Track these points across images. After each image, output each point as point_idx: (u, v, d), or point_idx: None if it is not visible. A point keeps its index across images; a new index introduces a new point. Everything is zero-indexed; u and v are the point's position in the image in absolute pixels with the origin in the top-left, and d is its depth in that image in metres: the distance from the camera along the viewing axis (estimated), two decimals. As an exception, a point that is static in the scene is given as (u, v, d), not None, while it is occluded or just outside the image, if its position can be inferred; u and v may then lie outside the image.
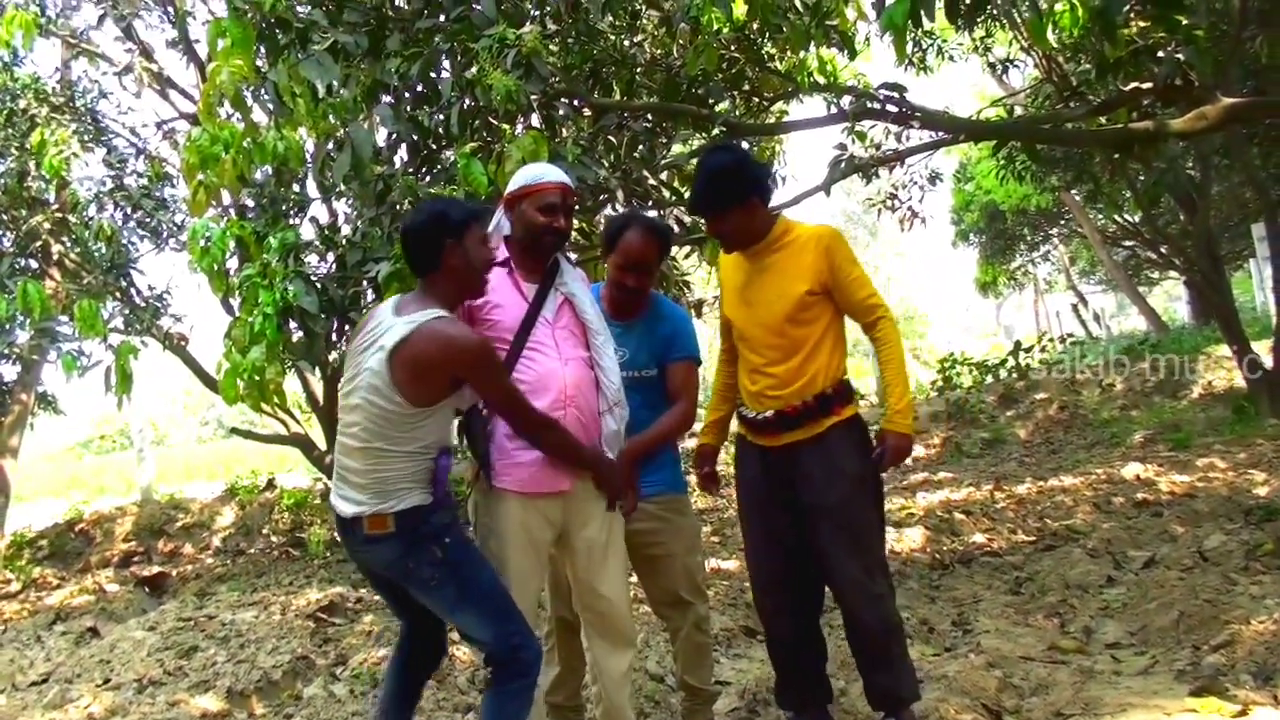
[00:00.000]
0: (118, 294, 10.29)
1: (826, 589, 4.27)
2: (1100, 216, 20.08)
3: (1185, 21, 6.45)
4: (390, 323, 3.42)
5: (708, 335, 17.25)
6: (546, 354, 3.71)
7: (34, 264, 10.72)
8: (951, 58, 13.00)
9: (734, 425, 4.48)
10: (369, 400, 3.39)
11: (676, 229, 8.67)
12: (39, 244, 10.41)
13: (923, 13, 4.78)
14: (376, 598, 7.65)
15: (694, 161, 8.66)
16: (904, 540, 7.77)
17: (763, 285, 4.06)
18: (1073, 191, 17.34)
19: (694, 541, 4.41)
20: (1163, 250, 17.89)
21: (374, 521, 3.44)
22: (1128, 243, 21.58)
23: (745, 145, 8.97)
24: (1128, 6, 5.58)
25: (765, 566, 4.22)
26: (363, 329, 3.60)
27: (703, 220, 4.14)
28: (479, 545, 3.75)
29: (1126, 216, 19.16)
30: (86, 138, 10.64)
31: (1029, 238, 24.14)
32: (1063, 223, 23.16)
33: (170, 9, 11.20)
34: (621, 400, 3.87)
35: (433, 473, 3.50)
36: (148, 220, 11.30)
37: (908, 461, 13.09)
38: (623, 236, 4.18)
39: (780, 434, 4.03)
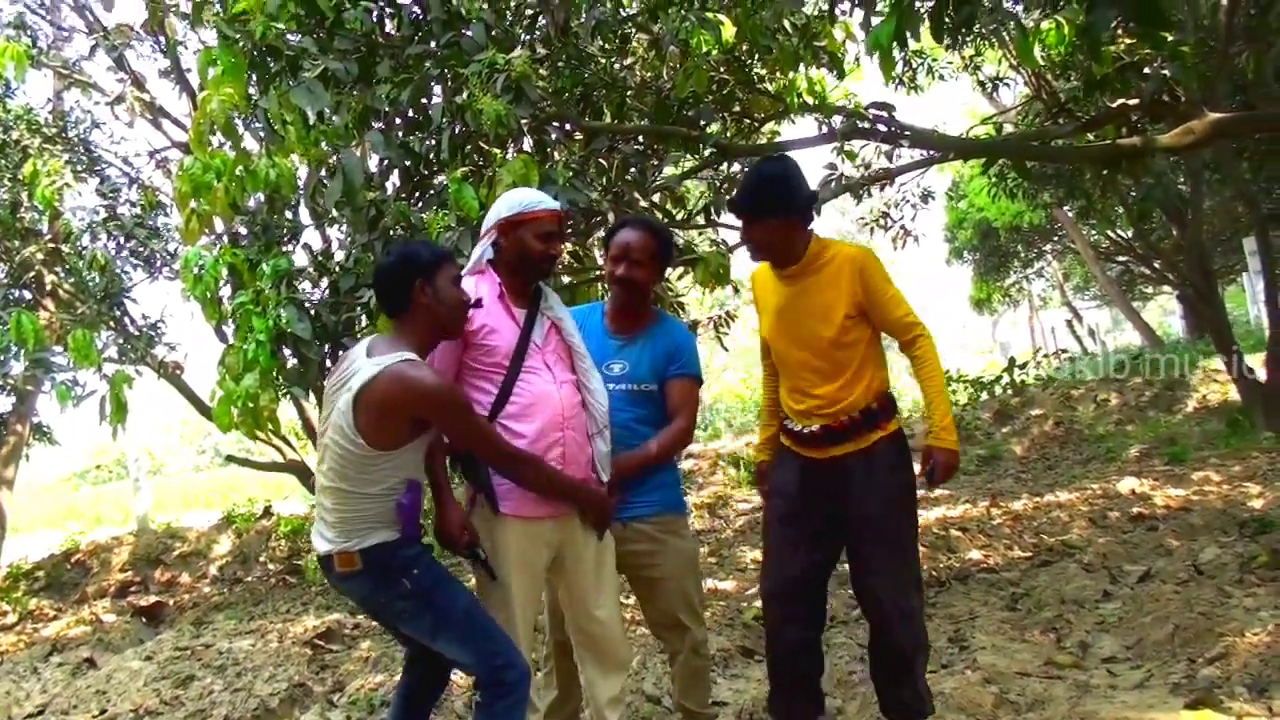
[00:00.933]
0: (112, 323, 10.31)
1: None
2: (1093, 232, 20.14)
3: (1170, 38, 6.50)
4: (360, 364, 3.42)
5: (704, 356, 17.24)
6: (541, 377, 3.73)
7: (27, 295, 10.73)
8: (942, 76, 13.05)
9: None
10: (335, 440, 3.41)
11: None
12: (32, 274, 10.43)
13: (908, 33, 4.82)
14: (374, 624, 7.67)
15: (684, 183, 8.72)
16: (901, 558, 7.78)
17: (802, 309, 4.04)
18: (1065, 208, 17.39)
19: (692, 564, 4.39)
20: (1156, 265, 17.95)
21: (343, 559, 3.47)
22: (1121, 258, 21.64)
23: (737, 167, 9.03)
24: (1113, 24, 5.60)
25: (783, 574, 4.16)
26: (337, 369, 3.61)
27: (740, 222, 4.09)
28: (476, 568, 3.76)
29: (1119, 232, 19.21)
30: (79, 168, 10.69)
31: (1022, 254, 24.19)
32: (1056, 239, 23.22)
33: (161, 39, 11.25)
34: (609, 422, 3.89)
35: (398, 510, 3.50)
36: (141, 249, 11.34)
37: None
38: (615, 234, 4.24)
39: (827, 447, 4.00)
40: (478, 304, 3.74)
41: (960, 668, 5.19)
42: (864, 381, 3.98)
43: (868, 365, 4.02)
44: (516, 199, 3.92)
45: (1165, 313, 37.78)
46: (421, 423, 3.42)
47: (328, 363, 6.63)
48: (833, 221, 53.86)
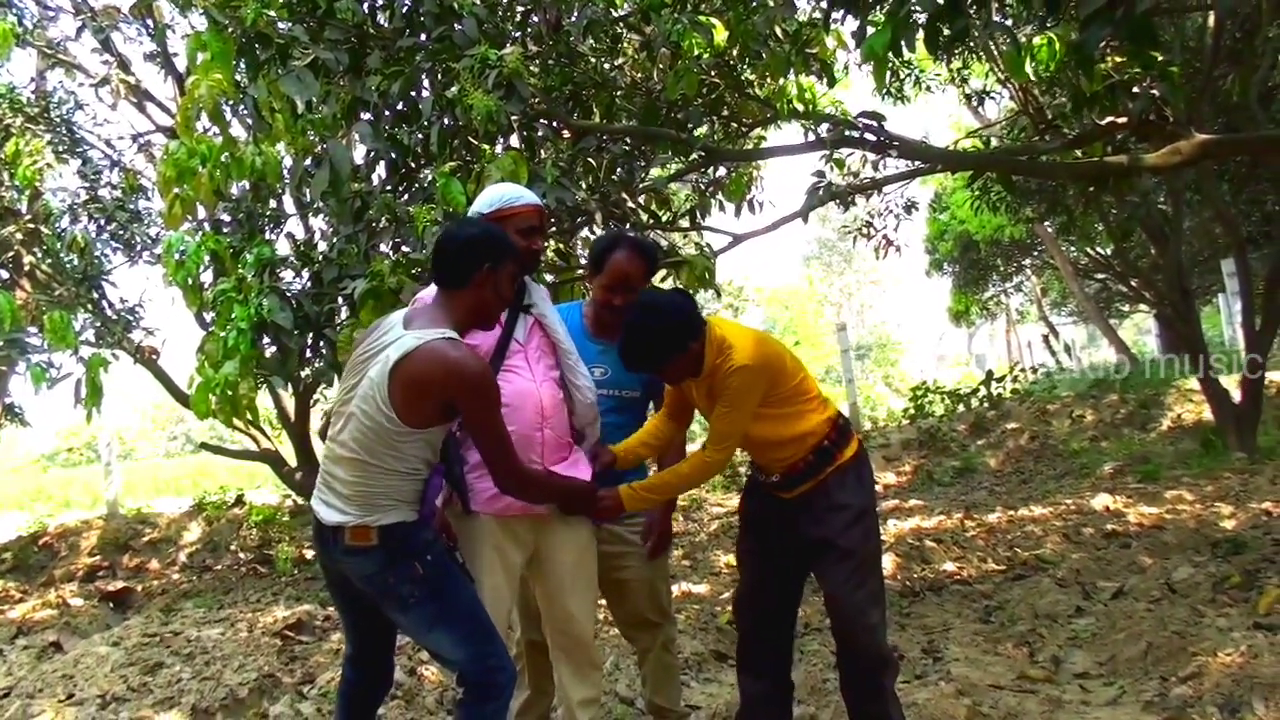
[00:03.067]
0: (89, 306, 10.24)
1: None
2: (1073, 249, 20.22)
3: (1160, 58, 6.52)
4: (399, 334, 3.36)
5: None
6: (521, 375, 3.72)
7: (4, 274, 10.64)
8: (929, 88, 13.10)
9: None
10: (362, 410, 3.35)
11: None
12: (10, 255, 10.33)
13: (903, 43, 4.84)
14: (346, 616, 7.62)
15: (671, 186, 8.71)
16: (875, 567, 7.78)
17: (699, 399, 4.04)
18: (1046, 223, 17.46)
19: (662, 565, 4.41)
20: (1134, 283, 18.01)
21: (357, 533, 3.39)
22: (1099, 275, 21.72)
23: (723, 170, 9.03)
24: (1103, 42, 5.63)
25: (759, 605, 4.21)
26: (367, 336, 3.55)
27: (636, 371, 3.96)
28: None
29: (1098, 249, 19.30)
30: (61, 149, 10.60)
31: (1002, 268, 24.23)
32: (1035, 254, 23.29)
33: (149, 22, 11.19)
34: (596, 417, 3.89)
35: (421, 492, 3.46)
36: (121, 233, 11.26)
37: (878, 488, 13.15)
38: (610, 256, 4.16)
39: (792, 489, 4.03)
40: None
41: (934, 679, 5.19)
42: (805, 427, 3.99)
43: (802, 418, 4.00)
44: (498, 194, 3.91)
45: (1140, 331, 38.01)
46: (451, 406, 3.36)
47: (307, 353, 6.63)
48: (815, 229, 54.20)
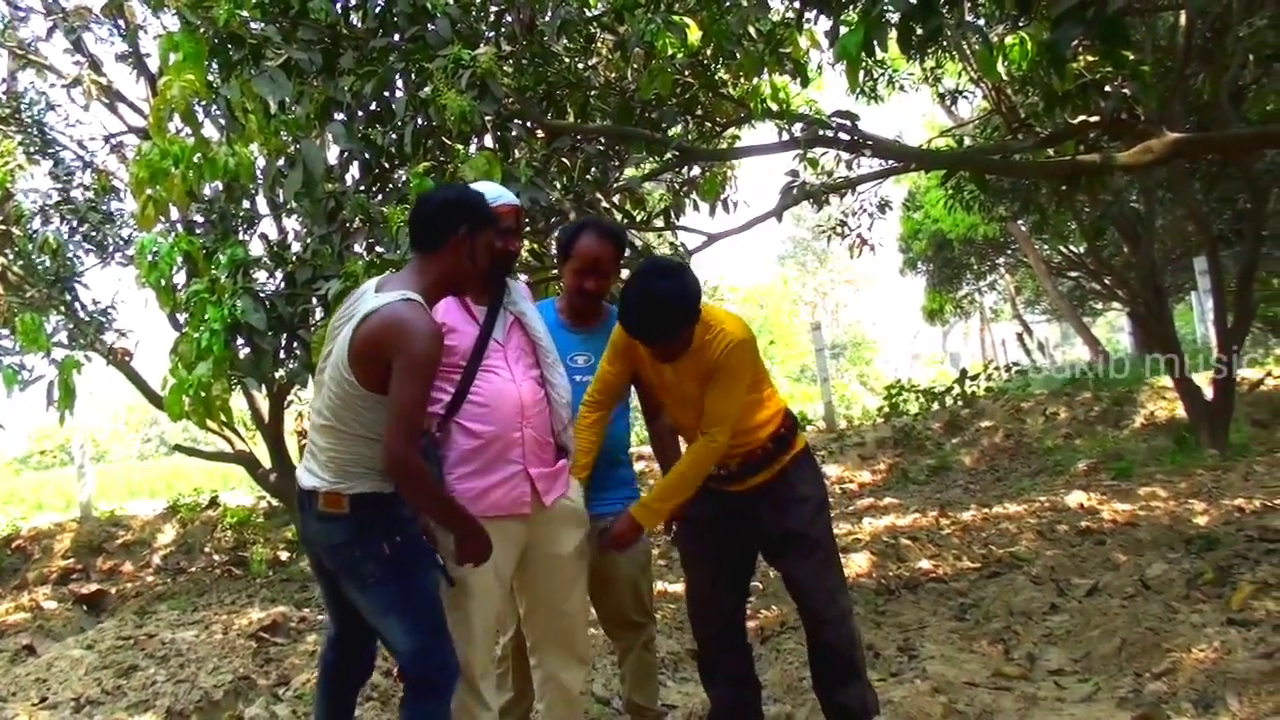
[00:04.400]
0: (62, 308, 10.18)
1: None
2: (1046, 247, 20.30)
3: (1132, 57, 6.56)
4: (368, 299, 3.36)
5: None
6: (500, 375, 3.69)
7: (-25, 276, 10.57)
8: (902, 87, 13.13)
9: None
10: (331, 375, 3.35)
11: (629, 251, 8.70)
12: (-19, 256, 10.26)
13: (876, 43, 4.86)
14: (321, 617, 7.61)
15: (645, 185, 8.71)
16: (850, 565, 7.77)
17: (678, 386, 3.96)
18: (1019, 222, 17.53)
19: (645, 563, 4.41)
20: (1107, 281, 18.08)
21: (329, 499, 3.36)
22: (1072, 273, 21.81)
23: (697, 170, 9.04)
24: (1075, 41, 5.66)
25: (717, 606, 4.21)
26: (345, 304, 3.54)
27: (643, 342, 3.85)
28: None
29: (1071, 248, 19.37)
30: (32, 150, 10.54)
31: (975, 267, 24.31)
32: (1009, 252, 23.37)
33: (121, 22, 11.11)
34: (570, 419, 3.89)
35: None
36: (93, 234, 11.20)
37: (853, 486, 13.17)
38: (578, 241, 4.16)
39: (746, 479, 4.03)
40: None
41: (909, 676, 5.20)
42: (762, 415, 4.01)
43: (763, 406, 4.03)
44: None
45: (1114, 329, 38.20)
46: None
47: (281, 354, 6.60)
48: (789, 229, 54.31)
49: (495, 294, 3.84)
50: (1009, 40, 6.86)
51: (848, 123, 7.05)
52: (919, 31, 4.88)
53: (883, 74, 12.25)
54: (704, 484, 4.06)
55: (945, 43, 8.85)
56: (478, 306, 3.80)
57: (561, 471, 3.85)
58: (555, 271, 6.92)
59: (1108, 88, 6.94)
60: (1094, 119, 7.31)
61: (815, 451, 4.28)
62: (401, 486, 3.37)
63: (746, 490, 4.04)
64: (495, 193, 3.90)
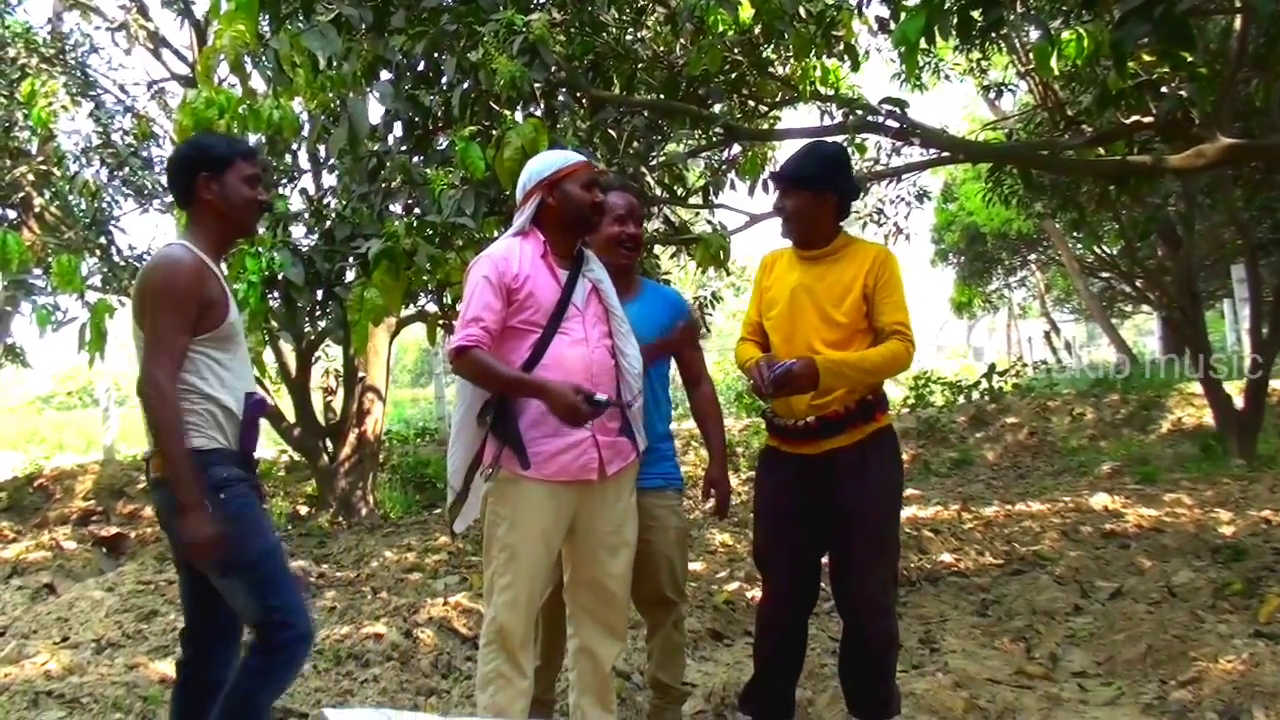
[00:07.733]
0: (97, 251, 10.17)
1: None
2: (1079, 246, 20.14)
3: (1191, 59, 6.47)
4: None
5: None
6: (574, 338, 3.70)
7: (13, 215, 10.58)
8: (947, 77, 13.00)
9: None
10: (134, 338, 3.36)
11: (666, 229, 8.67)
12: (20, 195, 10.26)
13: (937, 29, 4.79)
14: (339, 574, 7.62)
15: (688, 160, 8.66)
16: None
17: (817, 291, 3.99)
18: (1055, 219, 17.41)
19: (683, 540, 4.38)
20: (1139, 284, 17.95)
21: (157, 462, 3.30)
22: (1104, 274, 21.65)
23: (738, 148, 8.97)
24: (1140, 40, 5.58)
25: (786, 576, 4.17)
26: None
27: (779, 188, 4.13)
28: (487, 532, 3.68)
29: (1105, 248, 19.24)
30: (75, 91, 10.51)
31: (1007, 262, 24.20)
32: (1041, 249, 23.24)
33: (170, -32, 11.11)
34: (640, 391, 3.88)
35: (219, 421, 3.34)
36: (132, 179, 11.18)
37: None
38: (608, 195, 4.13)
39: (820, 441, 3.95)
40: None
41: (931, 670, 5.19)
42: None
43: (862, 346, 3.99)
44: (550, 159, 3.91)
45: (1141, 332, 37.92)
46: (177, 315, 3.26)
47: (315, 309, 6.60)
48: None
49: (576, 260, 3.86)
50: (1065, 35, 6.76)
51: (897, 110, 6.98)
52: (980, 21, 4.83)
53: (929, 63, 12.12)
54: (779, 443, 4.12)
55: (1003, 33, 8.77)
56: (561, 269, 3.80)
57: (623, 443, 3.84)
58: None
59: (1164, 88, 6.85)
60: (1147, 119, 7.22)
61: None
62: (143, 405, 3.30)
63: (821, 455, 3.96)
64: (567, 154, 3.98)
